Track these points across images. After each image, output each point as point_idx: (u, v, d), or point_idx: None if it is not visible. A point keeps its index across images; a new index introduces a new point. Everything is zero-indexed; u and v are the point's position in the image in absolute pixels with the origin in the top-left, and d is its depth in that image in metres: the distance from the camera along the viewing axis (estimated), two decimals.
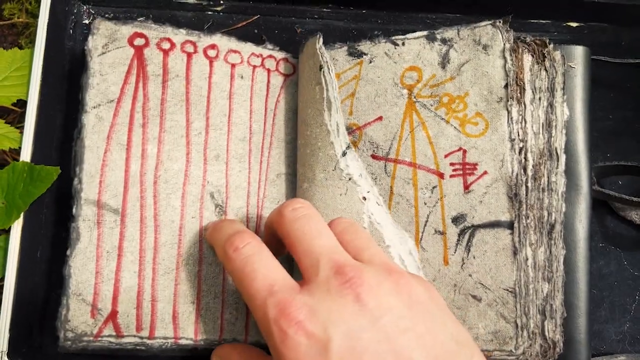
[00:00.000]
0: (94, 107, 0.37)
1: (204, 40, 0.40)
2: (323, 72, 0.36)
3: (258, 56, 0.41)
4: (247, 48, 0.41)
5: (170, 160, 0.37)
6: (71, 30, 0.43)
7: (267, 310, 0.28)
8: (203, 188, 0.38)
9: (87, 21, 0.43)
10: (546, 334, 0.35)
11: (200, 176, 0.38)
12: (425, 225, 0.36)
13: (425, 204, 0.36)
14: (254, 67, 0.40)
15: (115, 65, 0.38)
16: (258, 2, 0.45)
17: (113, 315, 0.35)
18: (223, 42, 0.40)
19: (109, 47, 0.38)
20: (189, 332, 0.36)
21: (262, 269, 0.29)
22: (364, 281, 0.27)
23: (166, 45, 0.39)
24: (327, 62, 0.37)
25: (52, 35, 0.40)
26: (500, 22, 0.37)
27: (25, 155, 0.37)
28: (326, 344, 0.26)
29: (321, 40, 0.37)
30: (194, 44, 0.39)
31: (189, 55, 0.39)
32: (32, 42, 0.40)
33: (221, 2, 0.45)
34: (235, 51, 0.40)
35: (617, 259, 0.44)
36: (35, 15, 0.43)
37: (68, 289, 0.35)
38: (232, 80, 0.40)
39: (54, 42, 0.40)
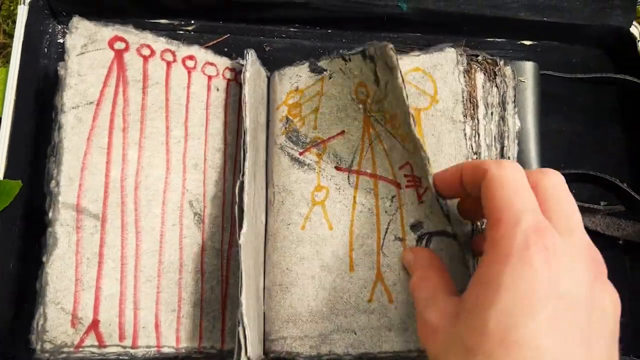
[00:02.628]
0: (73, 108, 0.36)
1: (183, 51, 0.40)
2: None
3: (232, 70, 0.42)
4: (222, 62, 0.42)
5: (150, 166, 0.37)
6: (46, 49, 0.44)
7: (522, 220, 0.27)
8: (183, 196, 0.38)
9: (61, 40, 0.45)
10: None
11: (180, 184, 0.38)
12: (386, 232, 0.37)
13: (386, 212, 0.38)
14: (228, 80, 0.42)
15: (95, 67, 0.37)
16: (228, 22, 0.47)
17: (95, 325, 0.34)
18: (200, 54, 0.41)
19: (88, 48, 0.38)
20: (171, 340, 0.36)
21: (528, 192, 0.28)
22: (604, 276, 0.28)
23: (146, 52, 0.39)
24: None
25: (27, 54, 0.41)
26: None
27: None
28: (556, 284, 0.25)
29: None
30: (173, 53, 0.40)
31: (169, 63, 0.40)
32: (8, 61, 0.41)
33: (192, 22, 0.47)
34: (211, 64, 0.41)
35: None
36: (11, 36, 0.44)
37: (45, 297, 0.33)
38: (208, 92, 0.41)
39: (28, 61, 0.41)
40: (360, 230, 0.38)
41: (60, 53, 0.44)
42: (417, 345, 0.35)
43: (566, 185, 0.29)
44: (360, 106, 0.39)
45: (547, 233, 0.26)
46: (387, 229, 0.37)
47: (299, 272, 0.38)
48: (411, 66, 0.39)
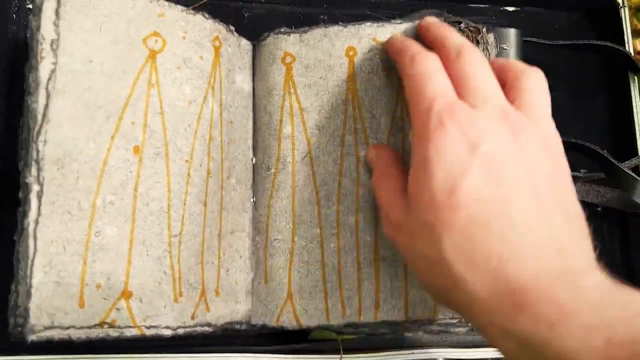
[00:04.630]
0: None
1: None
2: None
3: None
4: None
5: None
6: (14, 15, 0.42)
7: (434, 104, 0.30)
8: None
9: (30, 5, 0.43)
10: None
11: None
12: None
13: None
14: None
15: None
16: None
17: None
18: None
19: None
20: None
21: (440, 77, 0.32)
22: (525, 128, 0.30)
23: None
24: None
25: None
26: None
27: None
28: (476, 145, 0.29)
29: None
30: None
31: None
32: None
33: None
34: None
35: None
36: None
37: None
38: None
39: None
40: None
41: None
42: None
43: (479, 66, 0.32)
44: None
45: (457, 108, 0.30)
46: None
47: None
48: (394, 33, 0.39)
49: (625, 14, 0.48)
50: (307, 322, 0.37)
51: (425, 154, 0.29)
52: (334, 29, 0.39)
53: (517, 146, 0.29)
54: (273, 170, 0.39)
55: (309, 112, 0.39)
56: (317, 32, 0.39)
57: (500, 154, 0.29)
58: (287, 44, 0.40)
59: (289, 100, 0.39)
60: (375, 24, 0.39)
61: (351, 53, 0.39)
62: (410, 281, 0.36)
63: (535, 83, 0.33)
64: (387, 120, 0.38)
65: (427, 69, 0.32)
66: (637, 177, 0.43)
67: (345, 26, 0.39)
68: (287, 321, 0.37)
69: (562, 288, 0.25)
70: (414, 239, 0.30)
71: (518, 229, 0.27)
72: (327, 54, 0.39)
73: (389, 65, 0.38)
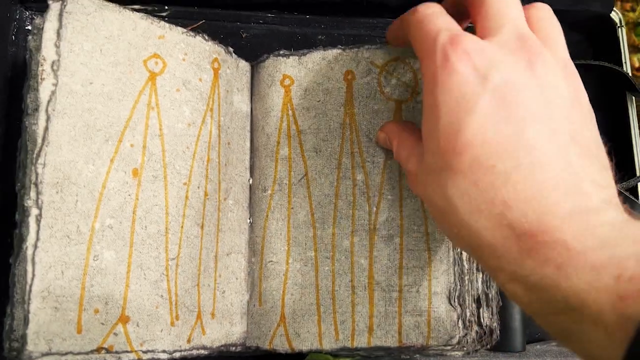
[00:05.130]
0: None
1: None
2: None
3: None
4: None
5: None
6: (13, 37, 0.42)
7: (438, 38, 0.28)
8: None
9: (29, 27, 0.43)
10: (482, 321, 0.37)
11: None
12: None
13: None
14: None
15: None
16: (203, 8, 0.46)
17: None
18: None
19: None
20: None
21: (444, 16, 0.30)
22: (543, 55, 0.27)
23: None
24: None
25: None
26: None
27: None
28: (485, 77, 0.26)
29: None
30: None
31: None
32: None
33: (166, 7, 0.45)
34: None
35: None
36: None
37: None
38: None
39: None
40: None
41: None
42: None
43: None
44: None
45: (462, 38, 0.27)
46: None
47: None
48: (391, 56, 0.39)
49: (622, 35, 0.48)
50: (299, 345, 0.37)
51: (432, 96, 0.28)
52: (333, 52, 0.39)
53: (533, 75, 0.27)
54: (269, 192, 0.39)
55: (306, 135, 0.39)
56: (316, 55, 0.40)
57: (513, 84, 0.26)
58: (286, 66, 0.40)
59: (287, 122, 0.39)
60: (373, 47, 0.39)
61: (349, 77, 0.39)
62: (404, 306, 0.36)
63: (547, 12, 0.30)
64: None
65: (432, 12, 0.30)
66: (634, 199, 0.43)
67: (343, 49, 0.39)
68: (280, 344, 0.37)
69: (570, 228, 0.24)
70: (425, 187, 0.29)
71: (525, 171, 0.25)
72: (326, 78, 0.39)
73: (386, 90, 0.38)
